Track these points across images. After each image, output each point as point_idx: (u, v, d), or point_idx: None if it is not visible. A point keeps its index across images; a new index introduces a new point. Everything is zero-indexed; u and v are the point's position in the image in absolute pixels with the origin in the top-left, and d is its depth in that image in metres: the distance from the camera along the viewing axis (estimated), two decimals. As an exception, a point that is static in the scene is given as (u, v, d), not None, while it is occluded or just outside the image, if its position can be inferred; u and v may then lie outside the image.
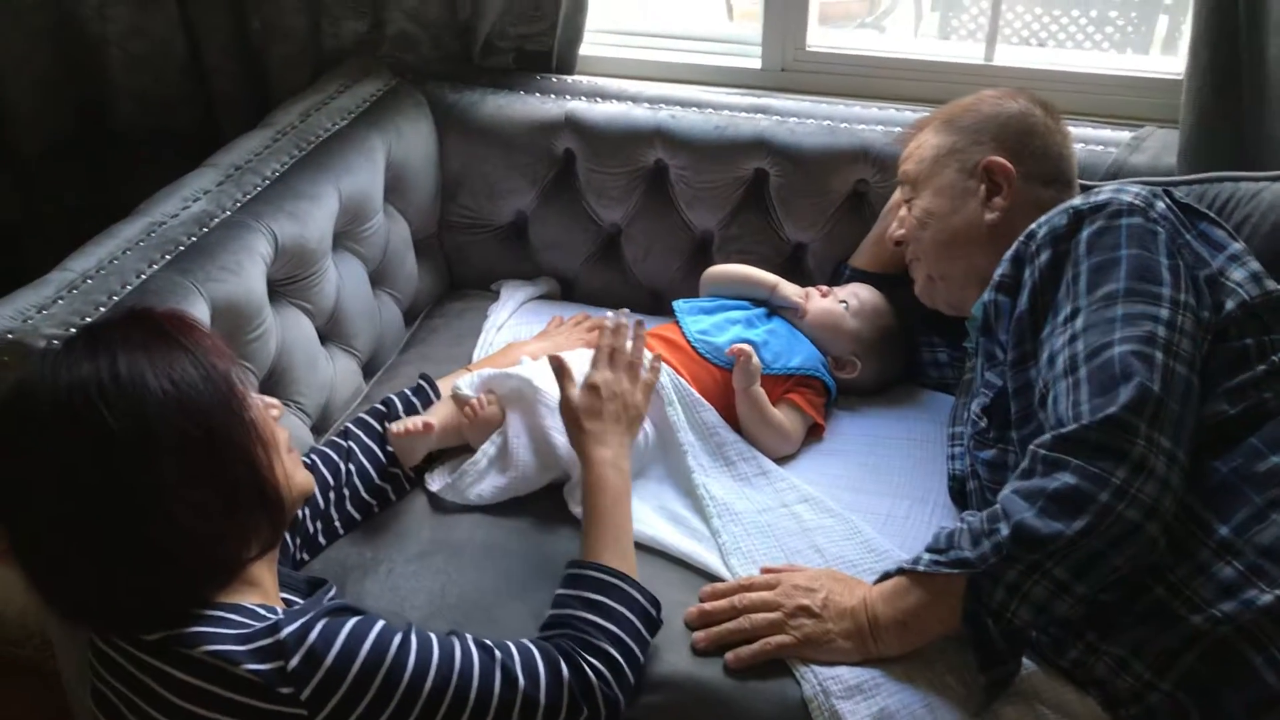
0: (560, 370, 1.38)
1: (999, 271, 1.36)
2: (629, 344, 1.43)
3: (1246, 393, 1.18)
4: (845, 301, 1.67)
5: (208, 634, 1.00)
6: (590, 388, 1.37)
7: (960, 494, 1.47)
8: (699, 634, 1.26)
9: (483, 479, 1.46)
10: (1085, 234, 1.26)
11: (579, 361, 1.44)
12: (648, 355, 1.47)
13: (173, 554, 0.99)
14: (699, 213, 1.89)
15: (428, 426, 1.42)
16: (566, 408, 1.38)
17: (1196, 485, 1.15)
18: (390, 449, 1.47)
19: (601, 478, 1.31)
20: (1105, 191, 1.30)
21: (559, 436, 1.43)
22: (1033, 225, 1.32)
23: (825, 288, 1.71)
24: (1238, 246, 1.28)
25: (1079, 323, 1.20)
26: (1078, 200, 1.30)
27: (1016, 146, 1.48)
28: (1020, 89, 1.57)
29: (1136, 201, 1.26)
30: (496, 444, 1.47)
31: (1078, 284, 1.23)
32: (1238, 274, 1.24)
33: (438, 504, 1.47)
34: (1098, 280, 1.22)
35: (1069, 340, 1.20)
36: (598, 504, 1.30)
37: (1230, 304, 1.23)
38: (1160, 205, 1.28)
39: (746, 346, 1.53)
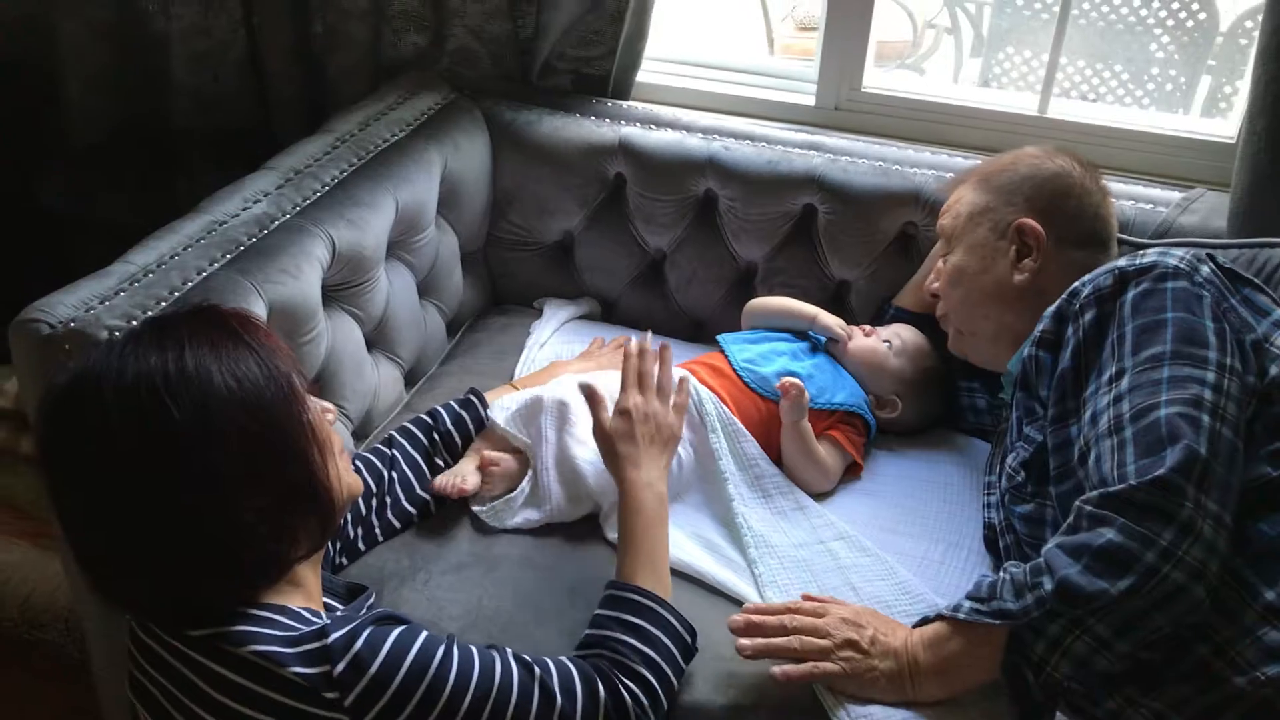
0: (591, 396, 1.39)
1: (1040, 327, 1.36)
2: (655, 368, 1.43)
3: None
4: (888, 341, 1.68)
5: (255, 634, 1.01)
6: (622, 413, 1.38)
7: (993, 542, 1.47)
8: (746, 641, 1.24)
9: (517, 514, 1.47)
10: (1130, 295, 1.27)
11: (612, 385, 1.44)
12: (677, 374, 1.48)
13: (225, 549, 1.01)
14: (745, 244, 1.90)
15: (461, 492, 1.45)
16: (600, 433, 1.38)
17: (1242, 549, 1.15)
18: (434, 460, 1.49)
19: (637, 500, 1.32)
20: (1151, 254, 1.31)
21: (588, 468, 1.44)
22: (1076, 284, 1.33)
23: (869, 327, 1.72)
24: None
25: (1124, 383, 1.21)
26: (1123, 261, 1.31)
27: (1049, 208, 1.49)
28: (1062, 148, 1.58)
29: (1182, 265, 1.27)
30: (529, 482, 1.48)
31: (1123, 345, 1.24)
32: None
33: (477, 518, 1.47)
34: (1143, 342, 1.23)
35: (1114, 400, 1.21)
36: (633, 527, 1.30)
37: (1274, 369, 1.23)
38: (1205, 269, 1.29)
39: (797, 380, 1.54)
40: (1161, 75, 3.40)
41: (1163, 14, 3.29)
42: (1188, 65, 3.37)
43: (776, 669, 1.22)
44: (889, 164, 1.83)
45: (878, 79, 2.04)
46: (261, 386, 1.03)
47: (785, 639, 1.24)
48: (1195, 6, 3.26)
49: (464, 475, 1.46)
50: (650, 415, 1.38)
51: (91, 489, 1.00)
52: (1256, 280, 1.34)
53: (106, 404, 0.99)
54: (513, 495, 1.47)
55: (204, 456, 0.99)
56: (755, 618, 1.27)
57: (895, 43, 4.23)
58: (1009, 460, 1.43)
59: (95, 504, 1.01)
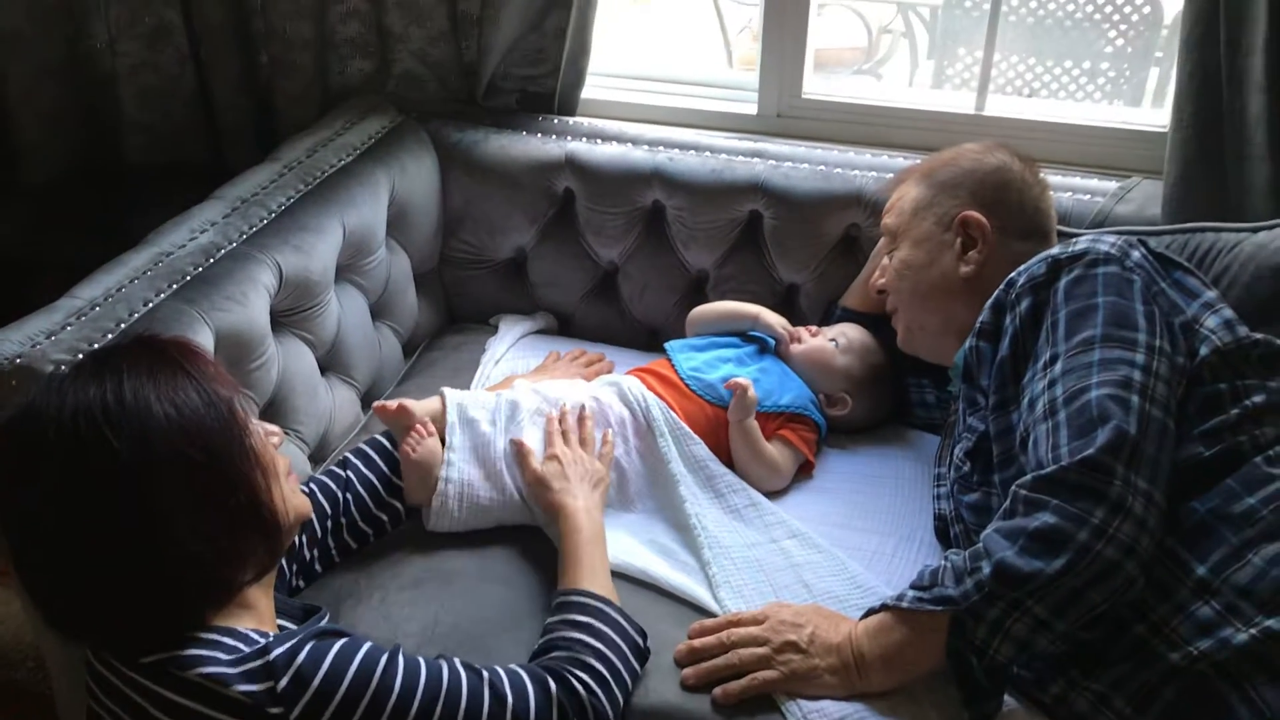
0: (520, 451, 1.46)
1: (980, 319, 1.39)
2: (574, 428, 1.51)
3: (1221, 435, 1.21)
4: (835, 340, 1.71)
5: (201, 657, 1.02)
6: (551, 458, 1.44)
7: (944, 533, 1.49)
8: (688, 670, 1.28)
9: (461, 494, 1.46)
10: (1063, 282, 1.29)
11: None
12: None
13: (172, 575, 1.02)
14: (695, 252, 1.93)
15: (401, 408, 1.47)
16: (533, 478, 1.43)
17: (1175, 526, 1.18)
18: (389, 480, 1.49)
19: (575, 523, 1.35)
20: (1083, 241, 1.34)
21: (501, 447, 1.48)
22: (1013, 274, 1.36)
23: (815, 328, 1.75)
24: (1211, 294, 1.32)
25: (1058, 368, 1.23)
26: (1056, 249, 1.34)
27: (993, 201, 1.52)
28: (1001, 142, 1.61)
29: (1113, 250, 1.30)
30: (454, 458, 1.48)
31: (1056, 330, 1.27)
32: (1211, 321, 1.28)
33: (432, 535, 1.48)
34: (1076, 326, 1.26)
35: (1048, 385, 1.23)
36: (574, 545, 1.33)
37: (1204, 350, 1.26)
38: (1136, 254, 1.31)
39: (745, 379, 1.57)
40: (1113, 70, 3.45)
41: (1108, 9, 3.35)
42: (1136, 58, 3.42)
43: (717, 690, 1.25)
44: (830, 167, 1.86)
45: (818, 85, 2.06)
46: (201, 413, 1.04)
47: (724, 658, 1.27)
48: (1139, 0, 3.32)
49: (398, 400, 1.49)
50: (578, 460, 1.45)
51: (37, 522, 1.02)
52: (1187, 264, 1.37)
53: (48, 437, 1.00)
54: (443, 479, 1.46)
55: (146, 485, 1.00)
56: (695, 642, 1.30)
57: (851, 49, 4.28)
58: (955, 451, 1.45)
59: (41, 537, 1.02)
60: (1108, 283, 1.28)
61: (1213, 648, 1.11)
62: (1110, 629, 1.17)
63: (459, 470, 1.47)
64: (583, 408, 1.53)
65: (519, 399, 1.54)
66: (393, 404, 1.47)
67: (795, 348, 1.70)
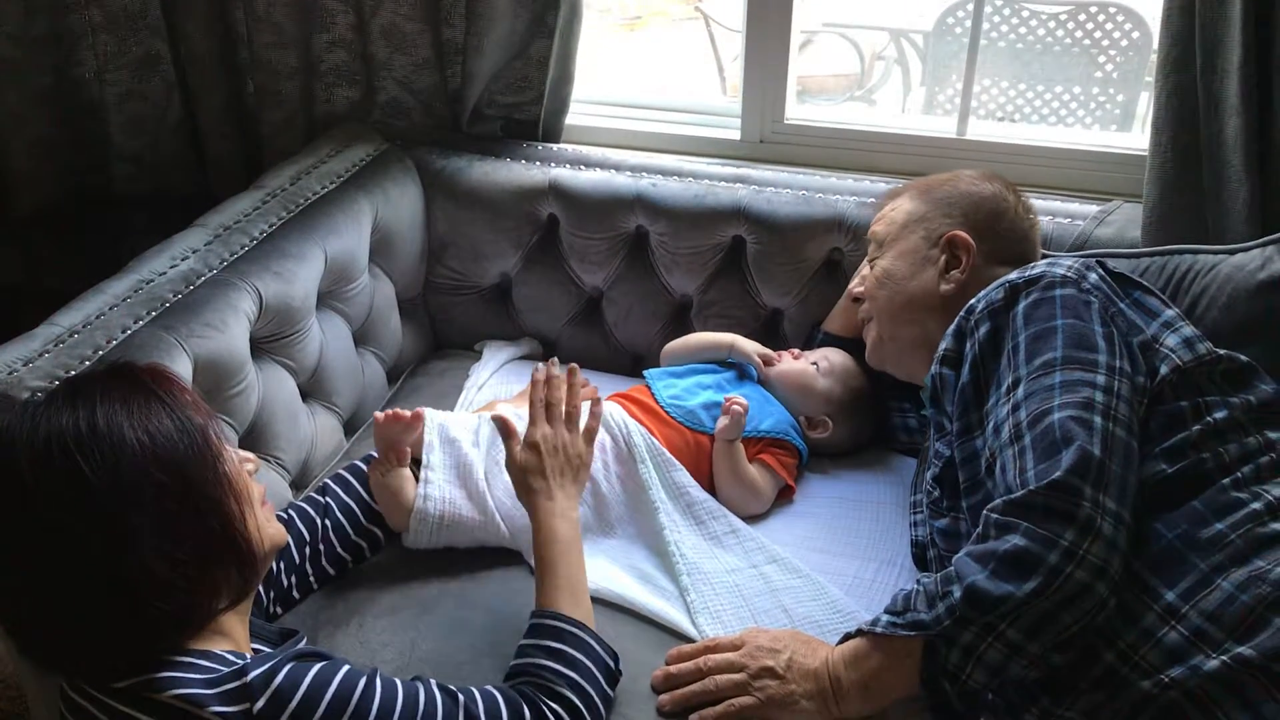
0: (504, 430, 1.39)
1: (943, 345, 1.40)
2: (563, 394, 1.42)
3: (1184, 452, 1.21)
4: (816, 363, 1.71)
5: (176, 679, 1.02)
6: (530, 445, 1.38)
7: (922, 558, 1.49)
8: (664, 696, 1.28)
9: (442, 512, 1.46)
10: (1021, 306, 1.30)
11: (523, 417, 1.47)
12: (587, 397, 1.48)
13: (145, 602, 1.02)
14: (678, 278, 1.93)
15: (416, 416, 1.46)
16: (511, 467, 1.39)
17: (1143, 551, 1.17)
18: (368, 506, 1.49)
19: (551, 529, 1.33)
20: (1039, 265, 1.35)
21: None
22: (972, 300, 1.37)
23: (797, 351, 1.75)
24: (1171, 313, 1.32)
25: (1020, 392, 1.24)
26: (1013, 275, 1.35)
27: (984, 226, 1.53)
28: (995, 174, 1.63)
29: (1069, 273, 1.31)
30: (434, 477, 1.48)
31: (1017, 354, 1.27)
32: (1171, 340, 1.28)
33: (410, 561, 1.48)
34: (1036, 350, 1.26)
35: (1012, 409, 1.24)
36: (550, 555, 1.32)
37: (1164, 368, 1.26)
38: (1093, 276, 1.32)
39: (743, 400, 1.57)
40: (1104, 95, 3.48)
41: (1098, 35, 3.38)
42: (1127, 84, 3.45)
43: (693, 716, 1.25)
44: (812, 193, 1.87)
45: (801, 111, 2.08)
46: (174, 440, 1.04)
47: (700, 684, 1.27)
48: (1129, 26, 3.35)
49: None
50: (559, 447, 1.38)
51: (8, 549, 1.02)
52: (1147, 284, 1.37)
53: (20, 465, 1.00)
54: (421, 497, 1.46)
55: (118, 512, 1.00)
56: (672, 668, 1.30)
57: (844, 76, 4.31)
58: (926, 475, 1.45)
59: (14, 564, 1.02)
60: (1065, 305, 1.29)
61: (1183, 675, 1.10)
62: (1080, 657, 1.16)
63: (439, 488, 1.47)
64: (573, 368, 1.45)
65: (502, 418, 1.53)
66: (407, 413, 1.45)
67: (777, 370, 1.71)
